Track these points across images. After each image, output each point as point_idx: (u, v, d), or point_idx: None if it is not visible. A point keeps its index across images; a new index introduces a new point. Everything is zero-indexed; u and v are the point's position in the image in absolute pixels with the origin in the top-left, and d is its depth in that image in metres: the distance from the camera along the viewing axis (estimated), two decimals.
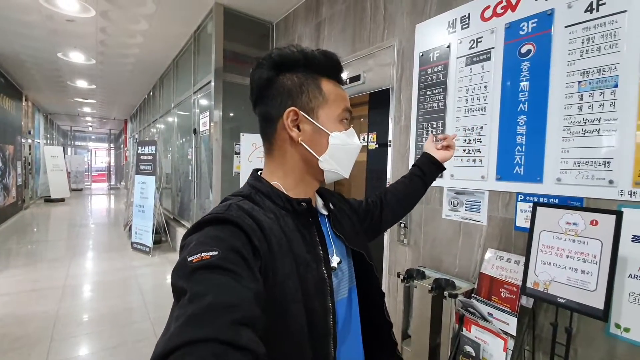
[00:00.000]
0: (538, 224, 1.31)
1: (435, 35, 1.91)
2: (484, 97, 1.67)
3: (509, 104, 1.57)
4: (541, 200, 1.45)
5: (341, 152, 0.64)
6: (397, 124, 2.15)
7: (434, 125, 1.91)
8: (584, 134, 1.33)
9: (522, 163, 1.53)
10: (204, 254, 0.44)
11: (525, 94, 1.51)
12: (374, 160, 2.60)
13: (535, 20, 1.48)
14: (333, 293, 0.60)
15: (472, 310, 1.49)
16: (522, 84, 1.52)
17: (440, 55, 1.88)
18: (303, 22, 3.16)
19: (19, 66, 5.96)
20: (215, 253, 0.45)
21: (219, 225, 0.51)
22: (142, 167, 4.87)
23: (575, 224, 1.21)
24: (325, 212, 0.71)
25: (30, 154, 8.90)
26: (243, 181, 2.74)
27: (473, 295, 1.56)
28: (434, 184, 1.87)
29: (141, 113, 9.32)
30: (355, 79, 2.48)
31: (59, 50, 4.94)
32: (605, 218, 1.15)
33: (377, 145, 2.56)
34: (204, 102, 4.05)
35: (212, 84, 3.47)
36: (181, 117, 5.31)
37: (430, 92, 1.93)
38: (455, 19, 1.80)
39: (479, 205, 1.70)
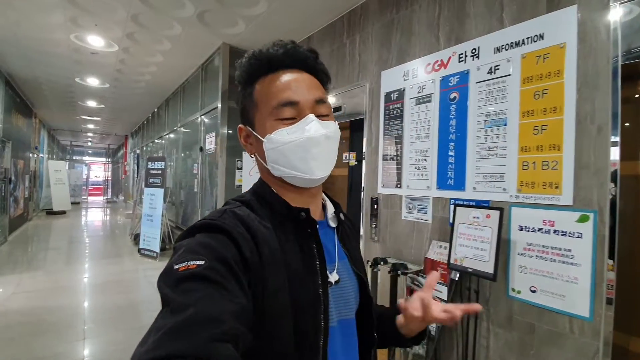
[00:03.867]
0: (457, 219, 1.89)
1: (394, 80, 2.53)
2: (427, 128, 2.28)
3: (444, 134, 2.18)
4: (465, 203, 2.03)
5: (278, 154, 0.57)
6: (370, 145, 2.75)
7: (396, 148, 2.50)
8: (488, 156, 1.93)
9: (453, 177, 2.12)
10: (190, 262, 0.44)
11: (453, 128, 2.12)
12: (354, 175, 3.19)
13: (458, 76, 2.11)
14: (328, 311, 0.55)
15: (417, 283, 2.05)
16: (451, 121, 2.13)
17: (398, 96, 2.50)
18: None
19: (34, 88, 6.50)
20: (202, 262, 0.44)
21: (210, 233, 0.50)
22: (151, 180, 5.40)
23: (478, 217, 1.79)
24: (333, 224, 0.67)
25: (35, 168, 9.33)
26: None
27: (420, 274, 2.12)
28: (395, 192, 2.46)
29: (144, 130, 9.87)
30: (337, 109, 3.10)
31: (78, 76, 5.52)
32: (494, 213, 1.73)
33: (356, 163, 3.15)
34: (209, 123, 4.63)
35: (219, 108, 4.06)
36: (186, 136, 5.88)
37: (392, 123, 2.54)
38: (408, 70, 2.43)
39: (426, 208, 2.27)
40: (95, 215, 11.00)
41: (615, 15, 1.49)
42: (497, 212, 1.71)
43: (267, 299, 0.50)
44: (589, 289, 1.56)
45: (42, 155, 10.61)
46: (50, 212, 10.17)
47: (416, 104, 2.36)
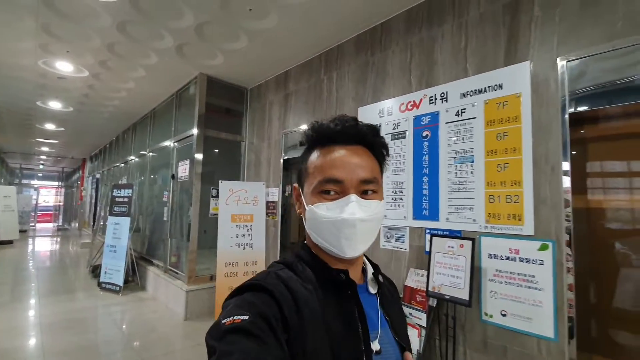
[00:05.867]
0: (434, 248, 2.02)
1: (371, 116, 2.71)
2: (403, 162, 2.45)
3: (418, 168, 2.35)
4: (439, 233, 2.18)
5: (316, 226, 0.61)
6: None
7: None
8: (459, 190, 2.11)
9: (427, 208, 2.27)
10: (235, 317, 0.48)
11: (426, 162, 2.30)
12: None
13: (429, 116, 2.31)
14: None
15: None
16: (424, 156, 2.32)
17: None
18: (274, 91, 3.92)
19: None
20: (246, 317, 0.48)
21: (255, 292, 0.54)
22: (116, 208, 5.12)
23: (453, 247, 1.94)
24: (373, 291, 0.66)
25: None
26: (221, 221, 3.22)
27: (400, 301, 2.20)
28: None
29: (106, 153, 9.41)
30: None
31: (40, 99, 5.24)
32: (467, 243, 1.88)
33: None
34: (183, 150, 4.56)
35: (194, 136, 4.03)
36: (155, 161, 5.70)
37: None
38: (383, 108, 2.62)
39: (404, 237, 2.40)
40: (46, 245, 10.08)
41: (562, 69, 1.76)
42: (470, 242, 1.87)
43: (307, 358, 0.51)
44: (552, 311, 1.73)
45: None
46: None
47: (392, 139, 2.53)
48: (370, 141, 0.64)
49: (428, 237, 2.22)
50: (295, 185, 0.68)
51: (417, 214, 2.32)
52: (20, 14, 2.82)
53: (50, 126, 7.13)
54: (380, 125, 2.61)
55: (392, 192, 2.49)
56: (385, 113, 2.60)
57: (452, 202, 2.14)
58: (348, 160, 0.60)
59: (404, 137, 2.45)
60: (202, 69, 3.91)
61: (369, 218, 0.59)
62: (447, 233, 2.14)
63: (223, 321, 0.49)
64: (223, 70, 3.90)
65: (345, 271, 0.61)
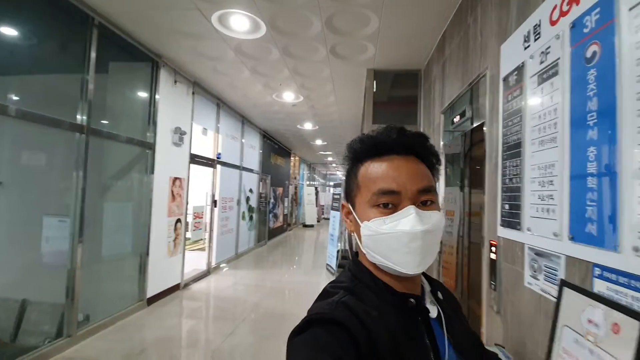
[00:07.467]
0: (563, 312, 0.86)
1: (514, 54, 1.56)
2: (554, 123, 1.22)
3: (579, 129, 1.09)
4: (613, 277, 0.90)
5: (374, 242, 0.56)
6: (490, 161, 1.80)
7: (514, 164, 1.50)
8: None
9: (595, 218, 1.00)
10: None
11: (593, 116, 1.03)
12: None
13: (598, 9, 1.02)
14: None
15: None
16: (589, 102, 1.04)
17: (518, 77, 1.51)
18: (436, 63, 3.13)
19: (282, 135, 9.02)
20: None
21: (326, 326, 0.48)
22: (335, 204, 6.01)
23: (597, 325, 0.74)
24: (433, 315, 0.59)
25: (295, 192, 12.77)
26: None
27: None
28: (515, 237, 1.50)
29: None
30: (462, 114, 2.27)
31: (298, 123, 7.19)
32: (631, 323, 0.66)
33: None
34: None
35: None
36: None
37: (510, 123, 1.56)
38: (529, 30, 1.43)
39: (556, 273, 1.19)
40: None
41: None
42: (638, 324, 0.64)
43: None
44: None
45: (302, 182, 14.38)
46: (305, 225, 13.50)
47: (538, 85, 1.34)
48: (420, 150, 0.60)
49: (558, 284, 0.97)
50: (344, 202, 0.64)
51: (576, 231, 1.08)
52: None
53: (318, 141, 9.50)
54: (524, 65, 1.46)
55: (539, 184, 1.30)
56: (532, 38, 1.41)
57: None
58: (402, 170, 0.56)
59: (556, 74, 1.22)
60: (367, 65, 3.80)
61: (432, 229, 0.55)
62: (628, 282, 0.84)
63: None
64: (384, 59, 3.61)
65: (417, 296, 0.57)
